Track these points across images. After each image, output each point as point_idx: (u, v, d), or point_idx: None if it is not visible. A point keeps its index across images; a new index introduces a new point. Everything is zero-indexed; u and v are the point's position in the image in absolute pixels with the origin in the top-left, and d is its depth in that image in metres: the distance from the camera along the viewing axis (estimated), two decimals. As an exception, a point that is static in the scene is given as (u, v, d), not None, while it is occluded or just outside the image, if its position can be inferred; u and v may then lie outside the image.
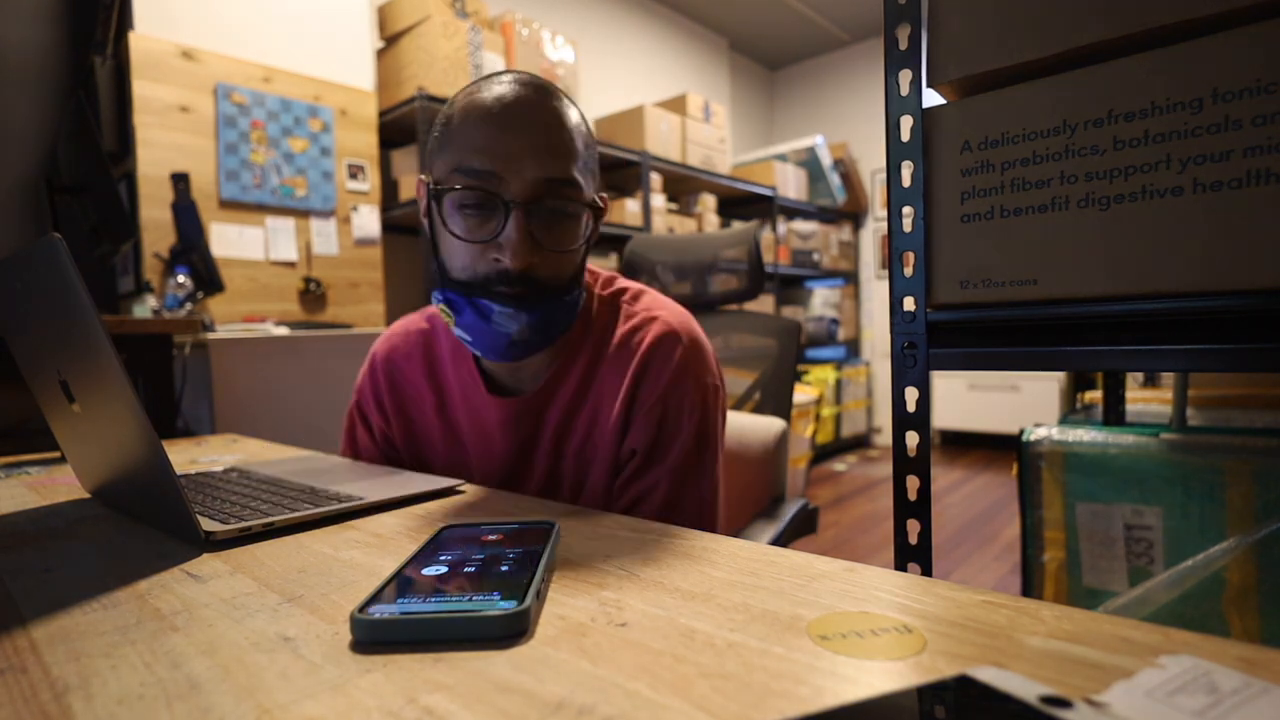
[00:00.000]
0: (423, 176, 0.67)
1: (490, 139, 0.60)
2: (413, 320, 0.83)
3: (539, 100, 0.62)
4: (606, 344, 0.71)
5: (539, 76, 0.65)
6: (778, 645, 0.30)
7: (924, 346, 0.68)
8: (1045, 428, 1.06)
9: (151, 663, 0.30)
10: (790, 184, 4.28)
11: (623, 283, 0.78)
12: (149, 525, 0.55)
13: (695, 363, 0.69)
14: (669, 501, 0.66)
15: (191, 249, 1.91)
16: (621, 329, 0.71)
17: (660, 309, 0.73)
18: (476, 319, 0.64)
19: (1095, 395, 1.36)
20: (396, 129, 2.54)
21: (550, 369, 0.71)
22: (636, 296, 0.75)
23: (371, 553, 0.45)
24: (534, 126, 0.60)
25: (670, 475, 0.66)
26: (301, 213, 2.26)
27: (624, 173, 3.32)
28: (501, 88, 0.62)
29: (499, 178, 0.60)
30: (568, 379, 0.71)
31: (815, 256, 4.42)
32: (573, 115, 0.64)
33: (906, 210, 0.67)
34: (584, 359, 0.71)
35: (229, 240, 2.09)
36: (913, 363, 0.68)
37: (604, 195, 0.70)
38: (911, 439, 0.69)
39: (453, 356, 0.77)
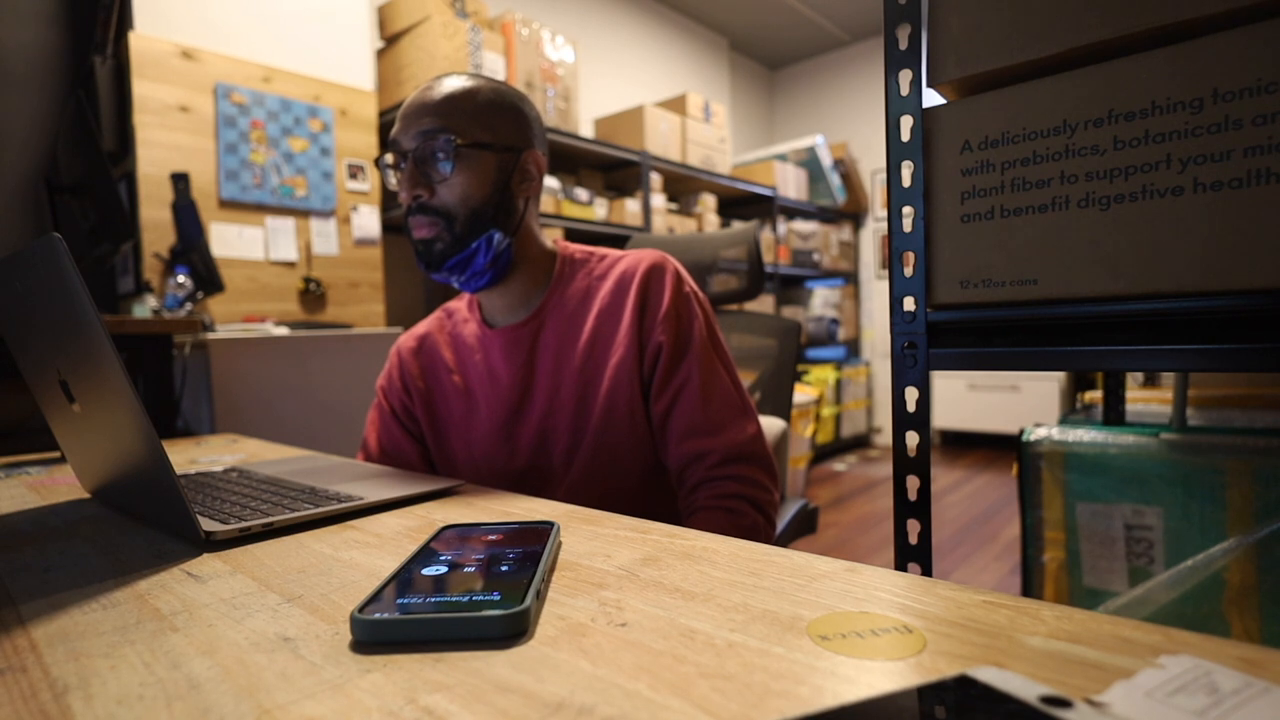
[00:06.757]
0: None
1: (399, 117, 0.81)
2: (432, 315, 0.98)
3: (436, 83, 0.81)
4: (598, 279, 0.87)
5: (469, 74, 0.83)
6: (778, 645, 0.30)
7: (924, 346, 0.68)
8: (1045, 428, 1.06)
9: (151, 663, 0.30)
10: (790, 184, 4.28)
11: (592, 248, 0.93)
12: (149, 525, 0.55)
13: (685, 281, 0.86)
14: (705, 383, 0.81)
15: (191, 249, 1.91)
16: (613, 267, 0.87)
17: (639, 250, 0.89)
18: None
19: (1095, 395, 1.36)
20: (396, 129, 2.54)
21: (538, 302, 0.87)
22: (606, 254, 0.90)
23: (371, 553, 0.45)
24: (423, 99, 0.80)
25: (698, 363, 0.82)
26: (301, 213, 2.26)
27: (624, 173, 3.32)
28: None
29: (399, 140, 0.80)
30: (556, 309, 0.86)
31: (815, 256, 4.42)
32: (472, 86, 0.81)
33: (906, 210, 0.67)
34: (572, 292, 0.87)
35: (229, 240, 2.09)
36: (913, 363, 0.68)
37: (536, 153, 0.84)
38: (911, 439, 0.69)
39: (464, 319, 0.93)
